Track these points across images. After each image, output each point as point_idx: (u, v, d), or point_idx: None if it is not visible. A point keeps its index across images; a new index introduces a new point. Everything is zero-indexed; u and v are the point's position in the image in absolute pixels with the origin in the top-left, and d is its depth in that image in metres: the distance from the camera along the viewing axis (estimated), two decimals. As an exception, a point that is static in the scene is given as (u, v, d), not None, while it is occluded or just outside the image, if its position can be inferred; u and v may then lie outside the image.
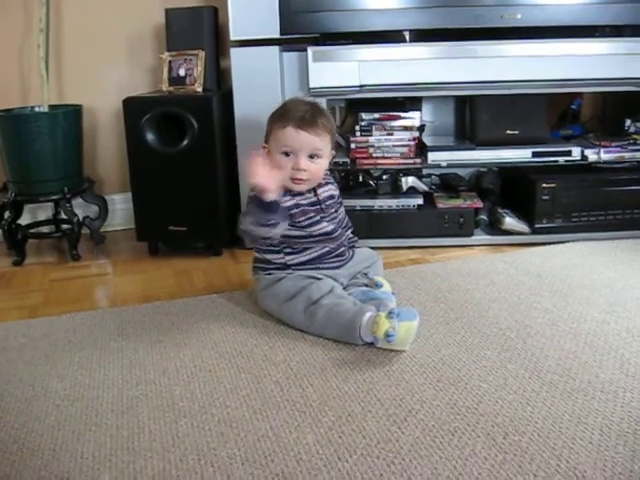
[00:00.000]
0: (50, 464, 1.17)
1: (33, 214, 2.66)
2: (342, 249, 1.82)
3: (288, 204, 1.71)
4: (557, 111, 2.63)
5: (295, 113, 1.66)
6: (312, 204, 1.76)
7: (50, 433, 1.26)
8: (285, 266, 1.76)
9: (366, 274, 1.83)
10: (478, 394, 1.33)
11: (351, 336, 1.55)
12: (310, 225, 1.76)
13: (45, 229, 2.61)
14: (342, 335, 1.57)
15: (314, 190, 1.77)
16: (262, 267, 1.80)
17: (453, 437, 1.19)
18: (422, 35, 2.23)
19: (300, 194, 1.74)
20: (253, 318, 1.76)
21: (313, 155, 1.68)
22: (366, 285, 1.79)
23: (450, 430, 1.21)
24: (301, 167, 1.67)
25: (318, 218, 1.77)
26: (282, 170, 1.65)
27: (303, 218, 1.74)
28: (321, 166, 1.72)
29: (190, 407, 1.33)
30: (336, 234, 1.79)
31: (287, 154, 1.67)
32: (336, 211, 1.83)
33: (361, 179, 2.44)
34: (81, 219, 2.44)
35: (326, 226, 1.78)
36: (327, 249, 1.78)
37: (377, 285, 1.77)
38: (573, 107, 2.63)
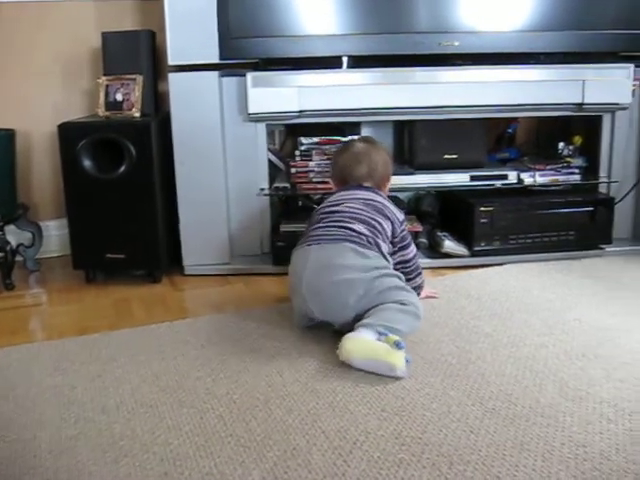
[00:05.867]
0: (-17, 512, 1.12)
1: (-37, 242, 2.56)
2: None
3: None
4: (494, 135, 2.69)
5: None
6: None
7: (-17, 478, 1.21)
8: None
9: None
10: (422, 423, 1.33)
11: None
12: None
13: (-24, 257, 2.52)
14: None
15: None
16: None
17: (399, 469, 1.18)
18: (362, 61, 2.25)
19: None
20: (194, 349, 1.73)
21: None
22: None
23: (396, 461, 1.21)
24: None
25: None
26: None
27: None
28: None
29: (131, 446, 1.29)
30: None
31: None
32: None
33: (301, 204, 2.44)
34: (14, 247, 2.37)
35: None
36: None
37: None
38: (509, 131, 2.69)
